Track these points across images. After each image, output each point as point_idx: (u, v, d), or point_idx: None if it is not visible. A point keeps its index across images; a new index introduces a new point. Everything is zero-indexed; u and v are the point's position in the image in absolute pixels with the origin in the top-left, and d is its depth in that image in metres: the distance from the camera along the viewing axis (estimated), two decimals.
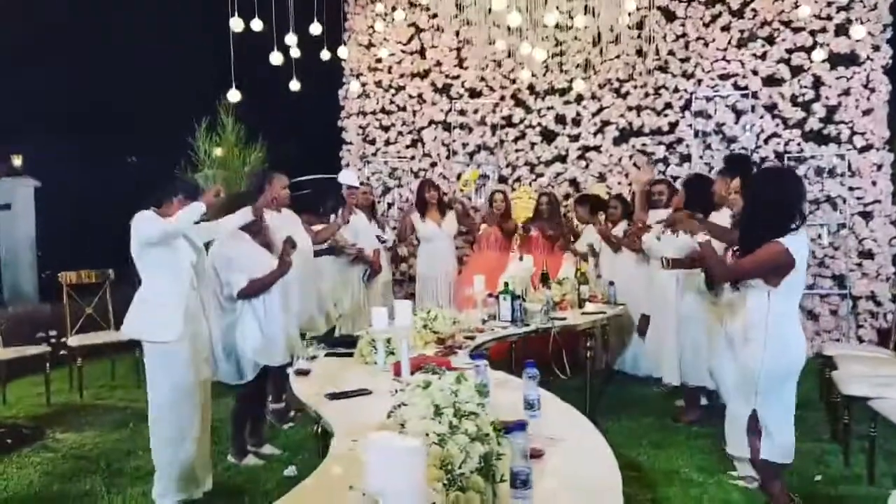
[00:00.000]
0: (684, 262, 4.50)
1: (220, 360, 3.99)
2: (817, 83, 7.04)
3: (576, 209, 6.66)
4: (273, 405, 4.94)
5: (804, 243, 3.18)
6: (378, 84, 8.35)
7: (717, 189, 4.34)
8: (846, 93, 6.98)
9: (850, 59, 6.96)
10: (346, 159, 8.41)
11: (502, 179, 7.89)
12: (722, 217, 4.32)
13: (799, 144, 7.08)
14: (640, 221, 5.00)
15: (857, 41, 6.78)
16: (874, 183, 6.89)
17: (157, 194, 3.63)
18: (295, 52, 6.56)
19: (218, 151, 7.54)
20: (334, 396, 2.74)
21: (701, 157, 7.35)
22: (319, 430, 3.11)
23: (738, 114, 7.27)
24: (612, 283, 5.22)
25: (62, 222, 9.20)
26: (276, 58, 6.17)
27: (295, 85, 6.78)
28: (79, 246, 8.47)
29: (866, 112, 6.93)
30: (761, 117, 7.21)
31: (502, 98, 8.01)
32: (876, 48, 6.91)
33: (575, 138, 7.75)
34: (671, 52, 7.47)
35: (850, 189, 6.92)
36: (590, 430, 2.33)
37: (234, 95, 6.11)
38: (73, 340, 5.93)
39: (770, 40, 7.17)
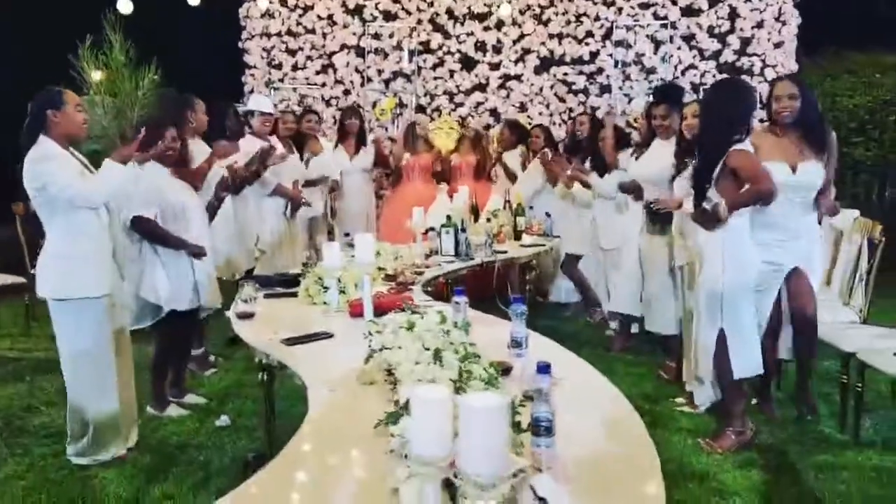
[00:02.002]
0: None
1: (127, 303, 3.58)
2: (733, 14, 7.11)
3: (503, 132, 6.42)
4: (192, 351, 4.56)
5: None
6: (283, 3, 7.71)
7: (659, 118, 4.22)
8: (759, 25, 7.10)
9: None
10: (249, 85, 7.79)
11: (420, 109, 7.56)
12: (664, 147, 4.24)
13: (714, 76, 7.17)
14: (611, 165, 4.88)
15: None
16: None
17: (32, 120, 3.07)
18: None
19: (103, 74, 6.74)
20: (292, 341, 2.45)
21: (620, 88, 7.32)
22: (265, 376, 2.87)
23: (657, 44, 7.25)
24: (548, 215, 5.11)
25: None
26: None
27: None
28: None
29: (777, 45, 7.09)
30: (679, 48, 7.23)
31: (419, 22, 7.61)
32: None
33: (495, 66, 7.51)
34: None
35: (761, 121, 7.07)
36: (585, 367, 2.20)
37: (125, 6, 5.42)
38: None
39: None
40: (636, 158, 4.50)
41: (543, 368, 1.59)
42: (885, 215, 7.60)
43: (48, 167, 2.97)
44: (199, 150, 4.25)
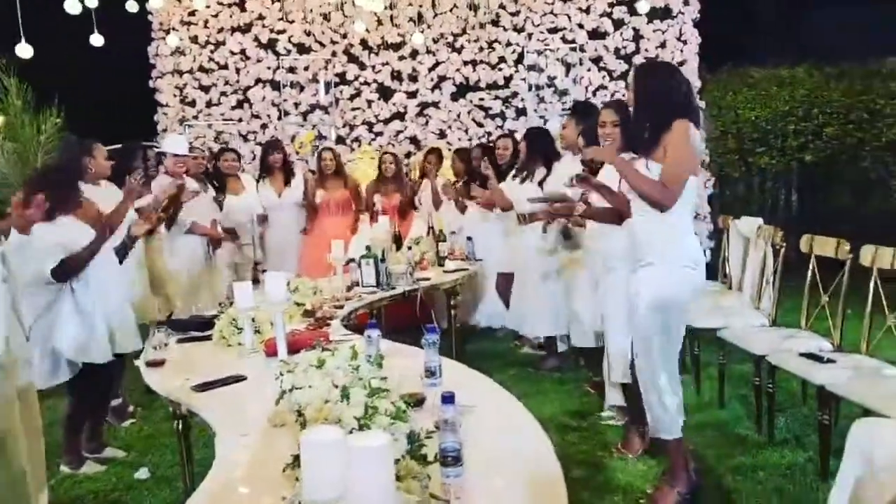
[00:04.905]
0: (538, 215, 4.51)
1: (32, 360, 3.40)
2: (637, 36, 7.39)
3: (455, 164, 6.36)
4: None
5: None
6: (193, 40, 7.58)
7: (566, 133, 4.37)
8: (662, 45, 7.39)
9: (665, 13, 7.37)
10: (162, 123, 7.59)
11: (340, 140, 7.54)
12: (568, 162, 4.36)
13: (624, 95, 7.39)
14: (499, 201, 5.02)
15: None
16: None
17: None
18: (92, 2, 5.72)
19: (0, 120, 6.49)
20: (203, 387, 2.38)
21: (535, 111, 7.48)
22: (180, 425, 2.79)
23: (568, 67, 7.47)
24: (469, 239, 5.16)
25: None
26: (72, 6, 5.33)
27: (97, 39, 5.96)
28: None
29: (680, 63, 7.36)
30: (589, 70, 7.46)
31: (334, 54, 7.61)
32: (686, 2, 7.36)
33: (412, 94, 7.57)
34: (502, 6, 7.47)
35: None
36: (499, 392, 2.21)
37: (24, 50, 5.21)
38: None
39: None
40: (520, 182, 4.65)
41: (448, 399, 1.59)
42: (790, 220, 8.03)
43: None
44: (108, 194, 4.12)
